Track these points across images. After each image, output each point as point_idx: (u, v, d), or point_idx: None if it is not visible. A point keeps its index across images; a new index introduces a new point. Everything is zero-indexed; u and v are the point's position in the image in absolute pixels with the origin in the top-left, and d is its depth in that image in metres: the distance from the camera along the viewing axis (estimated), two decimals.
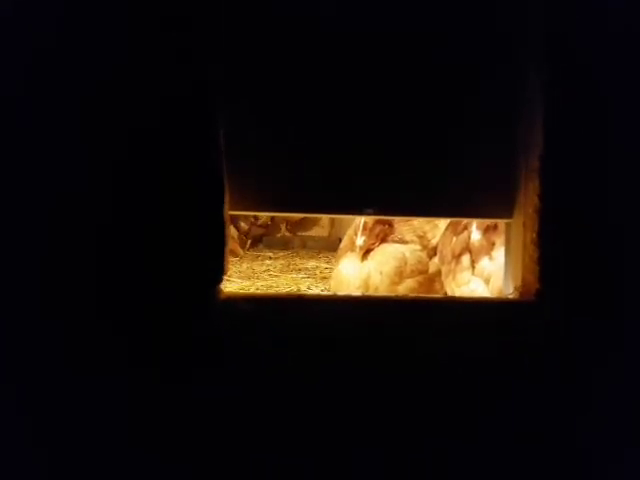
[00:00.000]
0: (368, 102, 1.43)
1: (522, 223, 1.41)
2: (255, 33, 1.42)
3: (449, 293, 2.42)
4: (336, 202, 1.49)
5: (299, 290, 3.10)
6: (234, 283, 3.45)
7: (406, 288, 2.53)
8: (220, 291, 1.39)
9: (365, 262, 2.62)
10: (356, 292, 2.49)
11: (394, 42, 1.42)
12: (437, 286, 2.47)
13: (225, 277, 1.44)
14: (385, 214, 1.56)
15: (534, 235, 1.34)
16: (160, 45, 1.28)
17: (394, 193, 1.47)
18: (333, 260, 3.59)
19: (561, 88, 1.31)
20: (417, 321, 1.38)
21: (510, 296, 1.48)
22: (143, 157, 1.29)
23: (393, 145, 1.45)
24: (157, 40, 1.28)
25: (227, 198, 1.37)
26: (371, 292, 2.53)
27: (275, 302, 1.51)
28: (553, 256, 1.33)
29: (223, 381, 1.25)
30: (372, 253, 2.64)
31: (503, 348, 1.31)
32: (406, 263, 2.56)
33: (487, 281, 2.31)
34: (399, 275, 2.57)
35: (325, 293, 2.88)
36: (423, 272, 2.53)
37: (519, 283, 1.43)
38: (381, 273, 2.57)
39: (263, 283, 3.38)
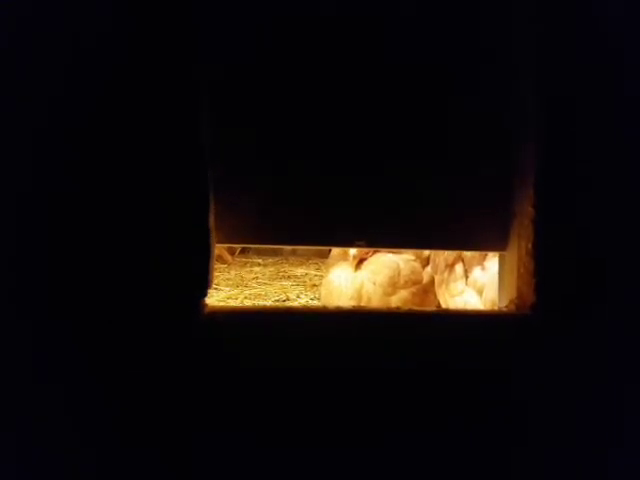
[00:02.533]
0: (355, 133, 1.44)
1: (517, 234, 1.43)
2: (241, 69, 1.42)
3: (442, 303, 2.43)
4: (326, 234, 1.48)
5: (288, 298, 3.12)
6: (222, 291, 3.46)
7: (400, 299, 2.54)
8: (205, 305, 1.39)
9: (358, 272, 2.62)
10: (348, 303, 2.50)
11: (378, 74, 1.43)
12: (431, 297, 2.48)
13: (212, 287, 1.44)
14: (376, 246, 1.57)
15: (529, 246, 1.35)
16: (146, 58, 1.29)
17: (385, 225, 1.48)
18: (323, 267, 3.60)
19: (556, 95, 1.33)
20: (409, 335, 1.38)
21: (504, 309, 1.49)
22: (123, 165, 1.30)
23: (382, 176, 1.45)
24: (140, 48, 1.29)
25: (212, 211, 1.38)
26: (364, 303, 2.54)
27: (261, 315, 1.51)
28: (549, 268, 1.34)
29: (206, 396, 1.25)
30: (365, 262, 2.65)
31: (498, 362, 1.32)
32: (400, 273, 2.56)
33: (480, 292, 2.33)
34: (392, 286, 2.57)
35: (314, 305, 2.88)
36: (417, 283, 2.54)
37: (514, 295, 1.44)
38: (374, 283, 2.57)
39: (251, 291, 3.39)
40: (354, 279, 2.58)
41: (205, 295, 1.36)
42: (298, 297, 3.19)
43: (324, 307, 1.70)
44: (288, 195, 1.46)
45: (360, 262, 2.62)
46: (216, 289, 3.47)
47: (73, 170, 1.28)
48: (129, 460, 1.20)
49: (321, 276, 3.36)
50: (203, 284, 1.35)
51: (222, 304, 2.97)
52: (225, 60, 1.42)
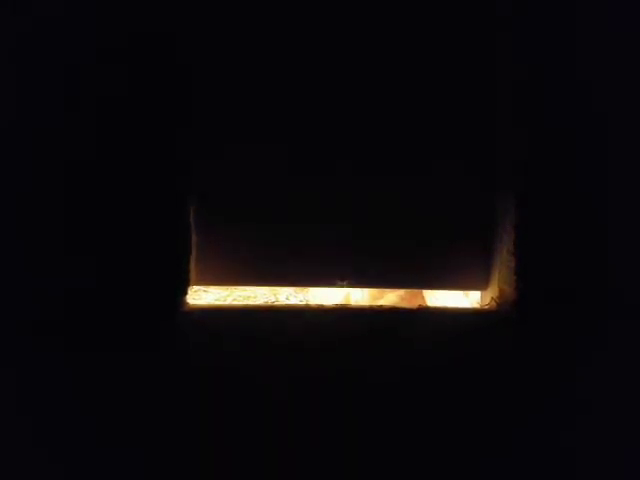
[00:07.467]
0: (336, 177, 1.53)
1: (499, 235, 1.48)
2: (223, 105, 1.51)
3: (429, 302, 2.47)
4: (309, 275, 1.56)
5: (277, 300, 3.13)
6: (211, 294, 3.48)
7: (388, 302, 2.56)
8: (185, 303, 1.44)
9: None
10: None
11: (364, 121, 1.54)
12: (419, 298, 2.51)
13: (201, 289, 1.47)
14: (358, 286, 1.61)
15: (511, 245, 1.41)
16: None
17: (366, 266, 1.53)
18: None
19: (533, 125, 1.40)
20: (393, 332, 1.43)
21: (486, 307, 1.54)
22: (104, 163, 1.35)
23: (365, 219, 1.55)
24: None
25: (192, 211, 1.42)
26: None
27: (242, 314, 1.55)
28: (531, 266, 1.40)
29: (184, 393, 1.30)
30: None
31: (480, 358, 1.37)
32: None
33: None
34: (381, 290, 2.60)
35: (296, 304, 2.89)
36: None
37: (496, 294, 1.49)
38: (362, 290, 2.59)
39: (241, 293, 3.41)
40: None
41: (185, 292, 1.41)
42: (288, 299, 3.21)
43: (306, 305, 1.74)
44: (271, 238, 1.51)
45: None
46: (205, 291, 3.49)
47: (59, 169, 1.33)
48: (104, 458, 1.24)
49: None
50: (182, 282, 1.40)
51: (205, 303, 3.00)
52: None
